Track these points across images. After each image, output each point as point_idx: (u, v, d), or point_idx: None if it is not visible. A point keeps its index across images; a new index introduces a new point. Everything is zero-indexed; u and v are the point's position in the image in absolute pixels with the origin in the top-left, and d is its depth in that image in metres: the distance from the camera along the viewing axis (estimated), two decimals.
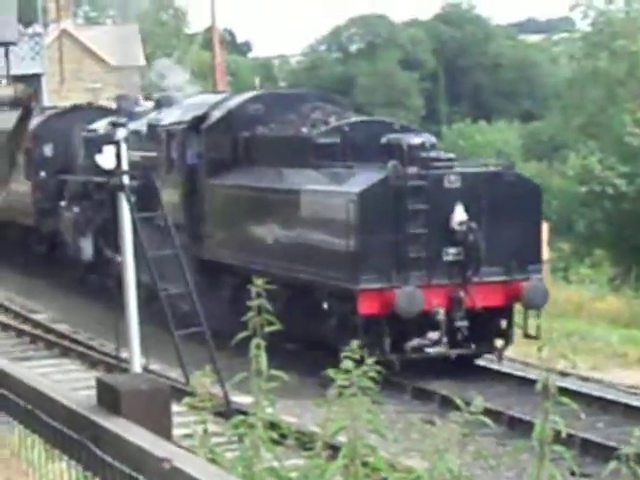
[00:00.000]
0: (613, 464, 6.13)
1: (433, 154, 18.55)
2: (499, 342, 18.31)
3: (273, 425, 6.88)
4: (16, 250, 31.00)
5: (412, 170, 17.71)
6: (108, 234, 22.15)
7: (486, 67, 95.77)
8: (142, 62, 58.15)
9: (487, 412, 6.91)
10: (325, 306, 18.14)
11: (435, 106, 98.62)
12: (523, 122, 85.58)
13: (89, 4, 78.30)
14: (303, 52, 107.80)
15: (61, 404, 3.61)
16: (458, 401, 6.34)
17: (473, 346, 17.97)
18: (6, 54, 17.26)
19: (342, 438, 6.73)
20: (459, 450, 6.39)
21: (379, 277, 17.01)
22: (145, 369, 15.13)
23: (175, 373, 16.47)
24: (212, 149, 21.49)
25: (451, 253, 17.67)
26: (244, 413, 7.55)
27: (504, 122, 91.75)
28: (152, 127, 23.90)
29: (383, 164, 18.19)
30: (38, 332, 24.04)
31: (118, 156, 15.48)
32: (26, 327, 24.69)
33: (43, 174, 27.24)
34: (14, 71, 20.77)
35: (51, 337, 23.32)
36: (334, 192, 18.17)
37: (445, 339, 17.83)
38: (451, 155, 20.04)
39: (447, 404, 13.00)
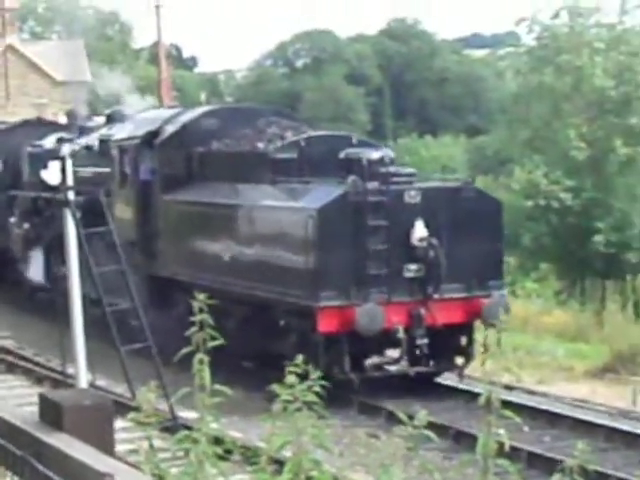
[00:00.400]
0: (557, 477, 5.97)
1: (392, 169, 18.55)
2: (459, 359, 18.32)
3: (218, 440, 6.68)
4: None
5: (372, 185, 17.63)
6: (57, 250, 21.94)
7: (432, 82, 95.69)
8: (88, 77, 57.92)
9: (433, 426, 6.86)
10: (283, 323, 18.05)
11: (381, 121, 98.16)
12: (469, 137, 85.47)
13: (34, 19, 78.55)
14: (249, 67, 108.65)
15: (3, 420, 3.63)
16: (401, 415, 6.27)
17: (432, 364, 18.03)
18: None
19: (287, 453, 6.56)
20: (404, 464, 6.30)
21: (339, 294, 16.87)
22: (91, 385, 15.20)
23: (121, 388, 16.36)
24: (166, 165, 21.19)
25: (411, 269, 17.56)
26: (190, 428, 7.39)
27: (450, 137, 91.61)
28: (104, 142, 23.52)
29: (342, 179, 18.16)
30: None
31: (63, 172, 15.33)
32: None
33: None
34: None
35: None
36: (292, 208, 18.12)
37: (405, 357, 17.81)
38: (411, 170, 20.12)
39: (393, 419, 12.99)
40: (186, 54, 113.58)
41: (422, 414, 6.05)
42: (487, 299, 17.73)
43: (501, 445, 5.87)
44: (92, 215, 19.64)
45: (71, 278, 15.28)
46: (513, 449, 7.83)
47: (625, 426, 16.96)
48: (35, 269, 23.83)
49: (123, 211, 21.63)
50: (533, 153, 47.22)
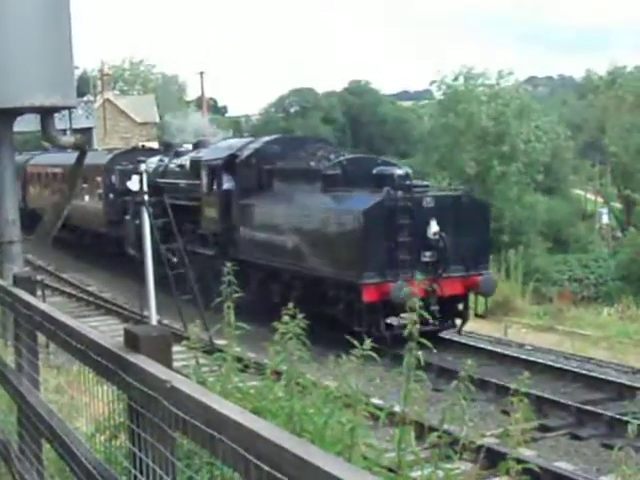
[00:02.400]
0: (454, 383, 6.99)
1: (413, 182, 20.95)
2: (458, 320, 20.50)
3: (239, 359, 8.30)
4: (93, 250, 35.88)
5: (400, 194, 19.46)
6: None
7: (377, 123, 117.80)
8: (157, 119, 74.97)
9: (377, 351, 7.97)
10: (332, 294, 19.84)
11: (345, 149, 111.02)
12: (400, 159, 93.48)
13: (122, 81, 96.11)
14: (260, 113, 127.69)
15: (101, 345, 3.95)
16: (355, 342, 7.43)
17: (437, 324, 19.17)
18: (69, 115, 20.99)
19: (284, 367, 7.83)
20: (357, 375, 7.35)
21: (377, 274, 18.45)
22: (159, 322, 18.25)
23: (178, 325, 18.71)
24: (243, 178, 23.69)
25: (427, 255, 19.40)
26: (221, 351, 8.61)
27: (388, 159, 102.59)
28: (194, 162, 26.32)
29: (376, 189, 19.91)
30: (91, 299, 28.20)
31: (141, 182, 18.68)
32: (84, 295, 28.90)
33: (111, 196, 30.05)
34: (74, 126, 24.13)
35: (99, 302, 27.35)
36: (344, 210, 19.93)
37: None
38: (426, 183, 23.12)
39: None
40: (220, 104, 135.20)
41: (368, 342, 7.75)
42: (481, 277, 20.02)
43: (419, 361, 7.18)
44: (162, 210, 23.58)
45: (145, 253, 17.88)
46: (427, 364, 9.29)
47: (499, 349, 20.45)
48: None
49: (209, 211, 24.74)
50: (440, 170, 63.81)
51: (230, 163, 24.00)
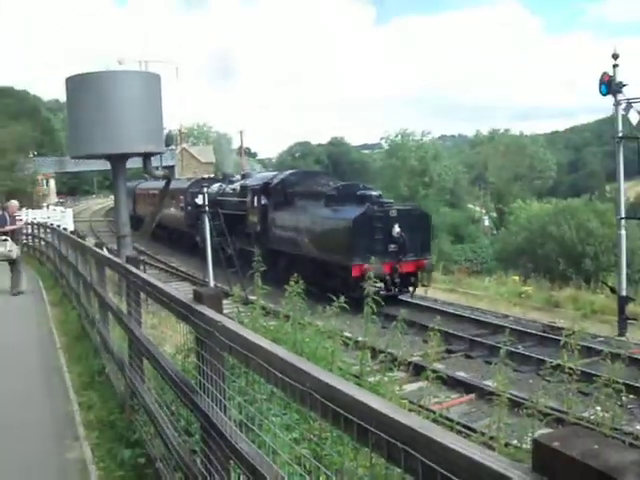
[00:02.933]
0: (394, 323, 7.25)
1: (383, 200, 20.98)
2: (411, 288, 20.26)
3: (264, 308, 8.75)
4: (176, 241, 35.92)
5: (377, 208, 19.78)
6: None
7: (348, 163, 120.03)
8: (214, 161, 77.69)
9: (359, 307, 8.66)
10: (332, 271, 19.91)
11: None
12: None
13: (193, 136, 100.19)
14: (277, 156, 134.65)
15: (179, 300, 3.97)
16: (334, 298, 7.70)
17: (397, 290, 19.77)
18: (160, 157, 21.78)
19: (291, 313, 7.88)
20: (336, 318, 7.67)
21: (361, 259, 18.37)
22: (215, 285, 18.50)
23: (227, 287, 18.51)
24: (275, 197, 23.90)
25: (392, 247, 19.51)
26: (252, 303, 8.70)
27: None
28: (243, 187, 26.79)
29: (361, 205, 19.98)
30: (174, 271, 28.54)
31: (204, 199, 19.08)
32: (169, 269, 29.33)
33: (189, 208, 30.27)
34: (163, 164, 24.88)
35: (179, 273, 27.74)
36: (342, 218, 19.91)
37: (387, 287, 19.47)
38: (391, 200, 22.53)
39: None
40: (252, 150, 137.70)
41: (341, 299, 7.95)
42: (425, 260, 20.18)
43: (373, 310, 7.63)
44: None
45: (206, 242, 18.15)
46: (380, 313, 9.69)
47: (422, 303, 20.04)
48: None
49: (253, 218, 25.01)
50: (386, 192, 67.59)
51: (265, 187, 24.41)
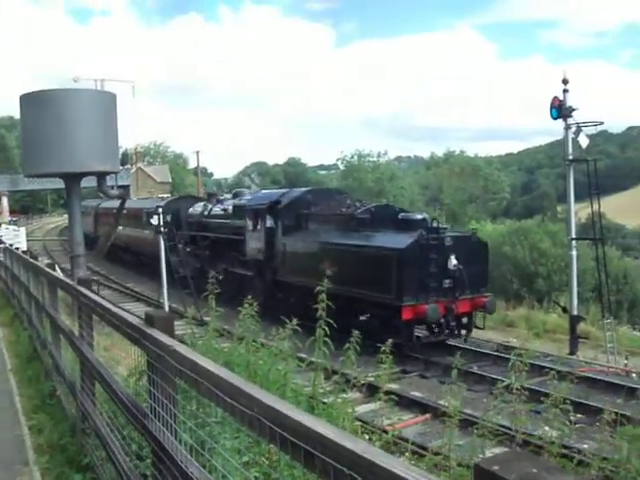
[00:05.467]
0: (347, 345, 7.07)
1: (434, 224, 17.13)
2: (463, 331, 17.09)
3: (217, 330, 8.53)
4: (144, 266, 32.20)
5: (430, 235, 16.11)
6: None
7: (305, 184, 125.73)
8: (170, 180, 78.62)
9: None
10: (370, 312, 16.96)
11: None
12: None
13: (149, 156, 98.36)
14: (233, 178, 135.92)
15: (131, 322, 3.90)
16: (287, 321, 7.70)
17: (447, 333, 16.46)
18: (115, 177, 20.89)
19: (246, 334, 7.76)
20: (289, 340, 7.75)
21: (413, 298, 15.55)
22: (170, 307, 17.67)
23: (182, 308, 17.94)
24: (284, 219, 20.29)
25: (447, 282, 16.11)
26: (207, 324, 8.73)
27: None
28: (238, 207, 23.46)
29: (402, 230, 16.86)
30: (129, 292, 27.58)
31: (159, 220, 18.47)
32: (125, 290, 28.19)
33: (165, 229, 28.81)
34: (118, 184, 23.79)
35: (134, 294, 26.77)
36: (386, 247, 16.25)
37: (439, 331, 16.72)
38: (445, 225, 19.50)
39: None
40: (209, 170, 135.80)
41: (294, 322, 7.89)
42: (486, 299, 16.77)
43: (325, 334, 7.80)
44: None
45: (162, 265, 17.74)
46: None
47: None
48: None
49: (254, 244, 21.38)
50: None
51: (273, 208, 20.80)
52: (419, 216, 17.93)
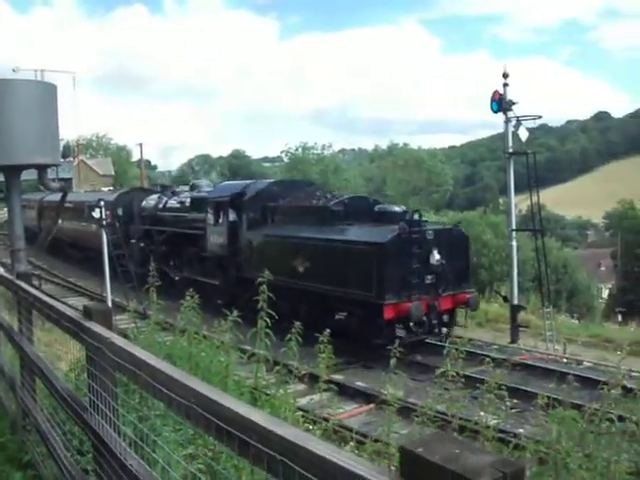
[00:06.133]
0: (288, 336, 7.11)
1: (414, 217, 15.91)
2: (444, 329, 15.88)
3: (158, 323, 8.47)
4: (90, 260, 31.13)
5: (412, 228, 14.96)
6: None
7: (249, 176, 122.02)
8: (112, 173, 75.85)
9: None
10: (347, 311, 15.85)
11: None
12: None
13: (92, 149, 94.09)
14: (177, 170, 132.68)
15: (69, 316, 3.89)
16: (227, 312, 7.47)
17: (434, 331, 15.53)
18: (57, 169, 19.56)
19: (188, 327, 7.77)
20: (230, 332, 7.96)
21: (395, 295, 14.53)
22: (112, 301, 17.11)
23: (124, 301, 17.44)
24: (249, 213, 18.93)
25: (429, 278, 15.12)
26: (149, 317, 8.81)
27: None
28: (197, 199, 22.33)
29: (378, 224, 15.91)
30: (71, 286, 26.77)
31: (100, 213, 17.79)
32: (67, 285, 27.29)
33: (117, 224, 27.41)
34: (60, 176, 22.35)
35: (77, 289, 25.96)
36: (365, 242, 15.12)
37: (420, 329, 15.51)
38: (424, 218, 17.46)
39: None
40: (153, 163, 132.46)
41: (235, 313, 7.87)
42: (469, 295, 15.92)
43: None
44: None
45: (105, 257, 17.33)
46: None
47: None
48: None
49: (216, 239, 20.04)
50: None
51: (236, 200, 19.36)
52: (397, 208, 17.19)
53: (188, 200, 23.19)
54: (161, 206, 25.15)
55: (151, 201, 26.33)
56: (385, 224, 15.72)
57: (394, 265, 14.66)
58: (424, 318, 15.11)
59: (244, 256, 19.02)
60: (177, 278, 21.87)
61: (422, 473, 1.34)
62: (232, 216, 19.49)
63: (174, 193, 25.52)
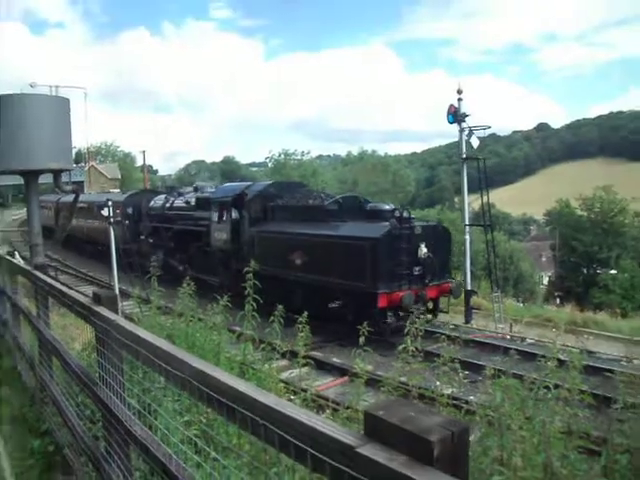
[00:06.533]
0: (271, 318, 6.78)
1: (403, 214, 15.09)
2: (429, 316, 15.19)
3: (159, 307, 8.16)
4: (102, 254, 30.07)
5: (402, 224, 14.61)
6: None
7: (238, 177, 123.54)
8: (119, 177, 73.56)
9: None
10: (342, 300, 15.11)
11: None
12: None
13: (101, 155, 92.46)
14: (176, 174, 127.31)
15: (80, 301, 3.87)
16: (219, 297, 7.48)
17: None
18: (70, 174, 18.67)
19: (185, 310, 7.72)
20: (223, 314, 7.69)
21: (387, 286, 14.08)
22: (119, 288, 16.79)
23: (130, 289, 17.27)
24: (251, 211, 18.32)
25: (417, 270, 14.72)
26: (152, 302, 8.44)
27: None
28: (202, 199, 21.69)
29: (370, 221, 15.43)
30: (83, 276, 26.42)
31: (108, 212, 17.52)
32: (80, 275, 26.96)
33: (127, 222, 25.39)
34: (73, 179, 21.37)
35: (88, 278, 25.58)
36: (360, 237, 14.63)
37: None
38: (412, 215, 15.93)
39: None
40: (155, 168, 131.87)
41: (225, 298, 7.88)
42: (450, 284, 15.57)
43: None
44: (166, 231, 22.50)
45: (111, 250, 17.08)
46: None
47: None
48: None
49: (220, 235, 19.43)
50: None
51: (238, 200, 18.77)
52: (387, 207, 16.61)
53: (193, 200, 22.62)
54: (168, 205, 24.50)
55: (159, 201, 25.63)
56: (377, 221, 15.30)
57: (386, 258, 14.28)
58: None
59: (246, 250, 18.24)
60: (182, 268, 21.15)
61: (383, 433, 1.37)
62: (235, 214, 18.96)
63: (180, 194, 24.79)
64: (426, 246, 14.90)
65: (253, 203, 18.57)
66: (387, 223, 14.75)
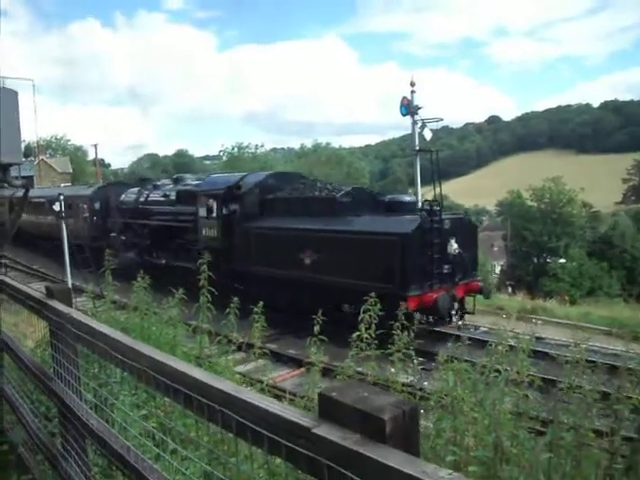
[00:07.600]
0: (227, 311, 6.87)
1: (428, 207, 13.75)
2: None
3: (114, 302, 8.19)
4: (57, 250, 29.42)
5: (432, 218, 13.24)
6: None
7: (192, 172, 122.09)
8: (70, 171, 72.55)
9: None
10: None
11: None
12: None
13: (51, 149, 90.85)
14: (129, 167, 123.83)
15: (33, 296, 3.83)
16: (174, 291, 7.23)
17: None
18: (19, 168, 18.02)
19: (140, 304, 7.54)
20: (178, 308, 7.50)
21: (417, 287, 12.80)
22: (73, 284, 16.43)
23: (83, 285, 16.39)
24: (246, 205, 16.58)
25: (446, 268, 13.44)
26: (104, 297, 8.48)
27: None
28: (184, 192, 19.71)
29: (388, 214, 14.17)
30: (34, 273, 26.00)
31: (60, 206, 17.12)
32: (32, 272, 26.25)
33: (94, 218, 24.67)
34: (22, 174, 20.62)
35: (40, 275, 25.01)
36: (386, 232, 13.05)
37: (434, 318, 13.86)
38: (438, 207, 13.77)
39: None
40: (107, 161, 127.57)
41: (179, 294, 7.83)
42: (481, 282, 14.43)
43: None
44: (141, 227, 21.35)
45: (63, 245, 16.77)
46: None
47: None
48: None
49: (209, 231, 17.49)
50: None
51: (230, 193, 16.93)
52: (408, 198, 15.46)
53: (173, 193, 20.66)
54: (142, 199, 22.45)
55: (131, 195, 23.65)
56: (398, 214, 14.02)
57: (417, 255, 12.90)
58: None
59: (239, 249, 16.76)
60: (164, 262, 20.05)
61: (337, 413, 1.41)
62: (226, 209, 17.14)
63: (156, 187, 22.76)
64: (456, 241, 13.67)
65: (249, 196, 16.88)
66: (416, 216, 13.51)
